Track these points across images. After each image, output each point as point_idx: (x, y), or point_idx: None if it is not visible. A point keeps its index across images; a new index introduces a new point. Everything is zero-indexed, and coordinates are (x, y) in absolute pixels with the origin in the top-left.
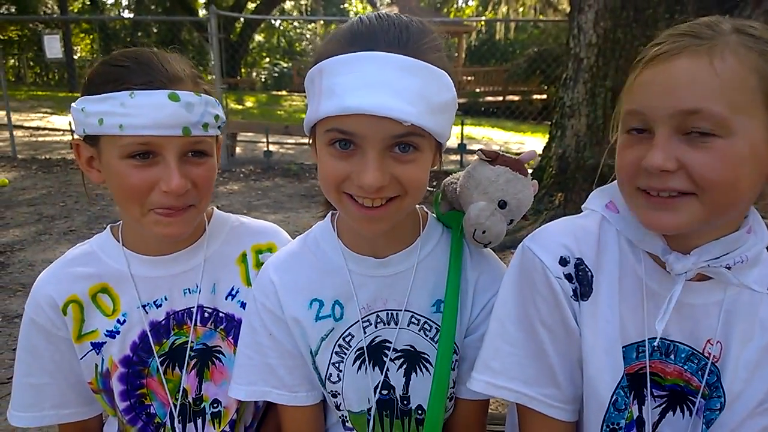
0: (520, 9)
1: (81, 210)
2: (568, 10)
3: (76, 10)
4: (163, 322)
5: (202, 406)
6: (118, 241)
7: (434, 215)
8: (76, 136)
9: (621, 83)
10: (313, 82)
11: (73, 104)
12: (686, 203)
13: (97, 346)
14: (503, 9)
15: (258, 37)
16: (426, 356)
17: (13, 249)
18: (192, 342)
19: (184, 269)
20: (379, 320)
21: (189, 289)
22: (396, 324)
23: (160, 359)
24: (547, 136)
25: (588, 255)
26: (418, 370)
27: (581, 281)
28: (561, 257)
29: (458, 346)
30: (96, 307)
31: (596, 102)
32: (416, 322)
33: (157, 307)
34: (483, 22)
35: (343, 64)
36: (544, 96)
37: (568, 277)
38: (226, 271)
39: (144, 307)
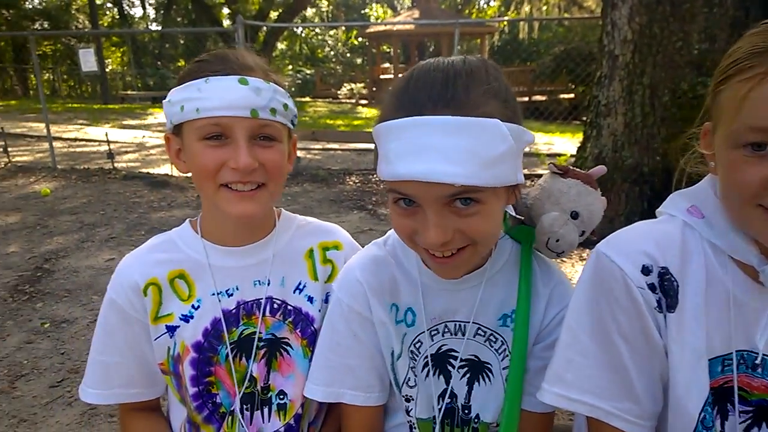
0: (544, 8)
1: (120, 218)
2: (593, 7)
3: (106, 25)
4: (234, 311)
5: (269, 395)
6: (197, 232)
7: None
8: (167, 130)
9: (659, 80)
10: (376, 141)
11: (164, 100)
12: None
13: (171, 330)
14: (526, 8)
15: (281, 45)
16: (489, 366)
17: (58, 256)
18: (261, 332)
19: (255, 261)
20: (446, 330)
21: (259, 281)
22: (463, 335)
23: (229, 348)
24: (576, 135)
25: (673, 263)
26: (481, 380)
27: (666, 292)
28: (643, 266)
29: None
30: (173, 291)
31: (634, 100)
32: (482, 333)
33: (229, 296)
34: (506, 22)
35: (392, 131)
36: (572, 95)
37: (651, 287)
38: (294, 265)
39: (217, 294)
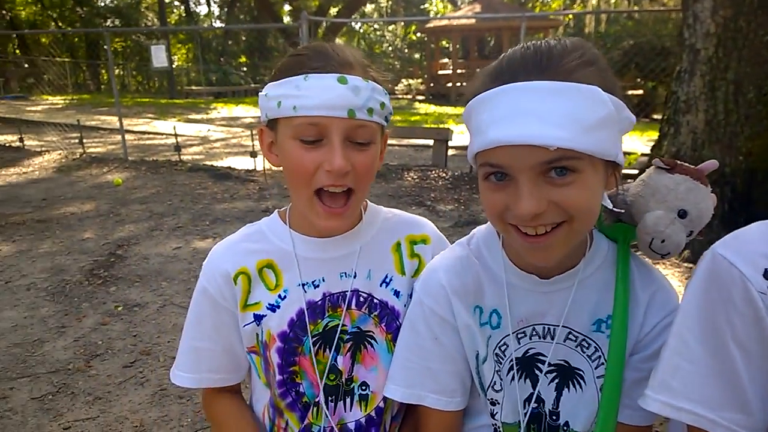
0: (612, 0)
1: (186, 208)
2: None
3: (173, 22)
4: (320, 302)
5: (352, 386)
6: (285, 223)
7: (599, 230)
8: (260, 123)
9: (744, 75)
10: (467, 121)
11: (260, 93)
12: None
13: (258, 318)
14: (593, 1)
15: (339, 41)
16: (580, 372)
17: (130, 243)
18: (346, 325)
19: (342, 253)
20: (534, 333)
21: (345, 273)
22: (552, 338)
23: (313, 339)
24: (645, 133)
25: None
26: (571, 386)
27: None
28: (766, 269)
29: None
30: (261, 280)
31: (716, 96)
32: (573, 338)
33: (315, 288)
34: (571, 16)
35: (485, 101)
36: (641, 91)
37: None
38: (381, 258)
39: (303, 285)
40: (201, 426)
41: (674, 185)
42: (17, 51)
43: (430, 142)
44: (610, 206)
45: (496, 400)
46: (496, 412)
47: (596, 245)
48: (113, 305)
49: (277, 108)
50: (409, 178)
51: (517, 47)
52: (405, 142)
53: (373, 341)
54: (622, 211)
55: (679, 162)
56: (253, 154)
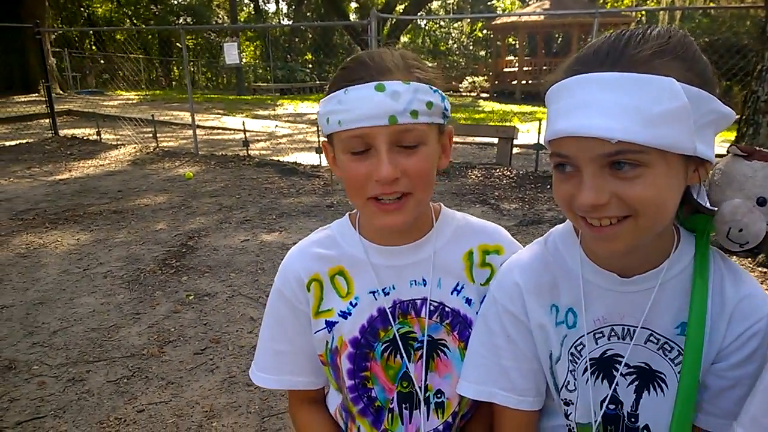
0: None
1: (254, 202)
2: None
3: (242, 20)
4: (390, 310)
5: (427, 395)
6: (355, 229)
7: (685, 229)
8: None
9: None
10: (547, 109)
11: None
12: None
13: (330, 325)
14: None
15: (404, 39)
16: (662, 376)
17: (200, 235)
18: (415, 332)
19: (412, 261)
20: (613, 333)
21: (415, 281)
22: (631, 340)
23: (383, 346)
24: (728, 134)
25: None
26: (652, 389)
27: None
28: None
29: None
30: (333, 287)
31: None
32: (655, 341)
33: (385, 295)
34: (644, 12)
35: (556, 92)
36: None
37: None
38: (452, 266)
39: (374, 293)
40: (268, 414)
41: (752, 172)
42: (94, 47)
43: (495, 140)
44: (705, 203)
45: (569, 401)
46: (570, 413)
47: (683, 245)
48: (185, 294)
49: (327, 124)
50: (473, 176)
51: (604, 35)
52: (469, 139)
53: (446, 349)
54: (714, 208)
55: (757, 148)
56: (318, 150)
